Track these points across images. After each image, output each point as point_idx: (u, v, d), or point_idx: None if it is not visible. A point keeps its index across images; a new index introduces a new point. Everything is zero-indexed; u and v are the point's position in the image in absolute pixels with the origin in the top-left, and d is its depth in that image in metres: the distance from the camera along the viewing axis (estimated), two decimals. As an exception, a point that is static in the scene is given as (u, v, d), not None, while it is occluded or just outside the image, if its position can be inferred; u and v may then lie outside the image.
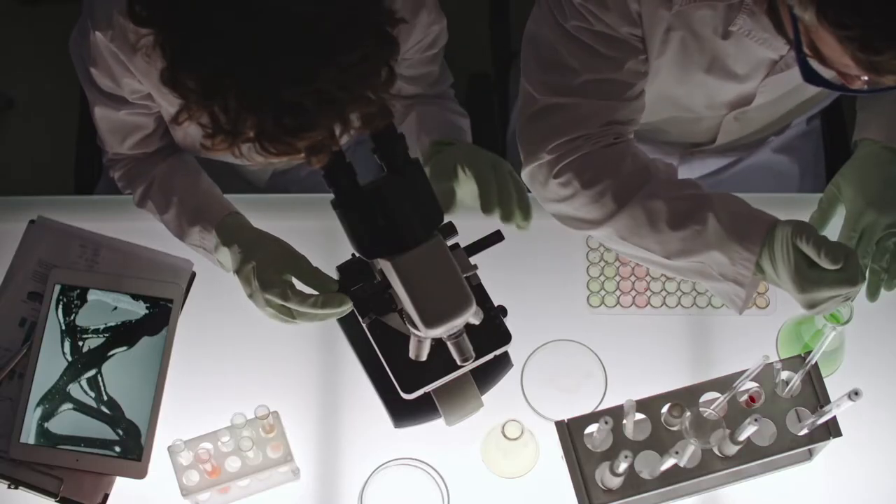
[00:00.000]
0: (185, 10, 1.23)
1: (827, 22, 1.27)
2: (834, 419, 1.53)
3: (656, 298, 1.78)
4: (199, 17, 1.22)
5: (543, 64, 1.61)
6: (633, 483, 1.51)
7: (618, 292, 1.78)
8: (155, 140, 1.74)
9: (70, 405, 1.69)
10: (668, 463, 1.44)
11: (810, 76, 1.39)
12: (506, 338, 1.52)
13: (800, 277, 1.49)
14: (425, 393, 1.51)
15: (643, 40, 1.58)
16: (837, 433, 1.54)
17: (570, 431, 1.54)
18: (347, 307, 1.50)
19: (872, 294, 1.71)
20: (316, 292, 1.53)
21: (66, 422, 1.67)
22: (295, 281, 1.55)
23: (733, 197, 1.61)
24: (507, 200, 1.54)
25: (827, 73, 1.38)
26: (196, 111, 1.27)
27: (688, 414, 1.49)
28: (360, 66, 1.23)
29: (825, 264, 1.46)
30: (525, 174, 1.66)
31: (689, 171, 1.99)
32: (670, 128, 1.89)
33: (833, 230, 1.72)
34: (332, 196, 1.36)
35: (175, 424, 1.68)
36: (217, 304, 1.76)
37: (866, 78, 1.35)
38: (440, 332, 1.38)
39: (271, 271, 1.55)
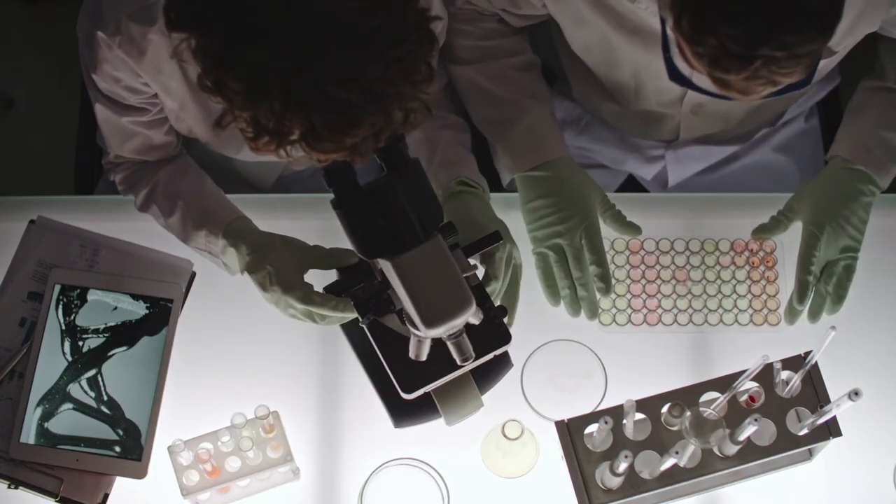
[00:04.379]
0: (226, 11, 1.22)
1: (682, 34, 1.29)
2: (834, 419, 1.53)
3: (668, 316, 1.75)
4: (241, 18, 1.21)
5: None
6: (633, 483, 1.51)
7: (629, 310, 1.75)
8: (156, 151, 1.73)
9: (70, 405, 1.69)
10: (668, 463, 1.44)
11: (674, 75, 1.43)
12: (506, 338, 1.51)
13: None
14: (425, 393, 1.51)
15: None
16: (837, 433, 1.54)
17: (570, 431, 1.54)
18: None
19: (814, 315, 1.72)
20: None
21: (66, 422, 1.67)
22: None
23: (545, 119, 1.76)
24: (512, 301, 1.65)
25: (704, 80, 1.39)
26: (240, 113, 1.26)
27: (688, 414, 1.49)
28: (404, 61, 1.24)
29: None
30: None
31: (679, 167, 1.99)
32: (645, 125, 1.93)
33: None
34: (332, 196, 1.36)
35: (175, 424, 1.68)
36: (217, 304, 1.76)
37: None
38: (440, 332, 1.38)
39: (290, 273, 1.56)
